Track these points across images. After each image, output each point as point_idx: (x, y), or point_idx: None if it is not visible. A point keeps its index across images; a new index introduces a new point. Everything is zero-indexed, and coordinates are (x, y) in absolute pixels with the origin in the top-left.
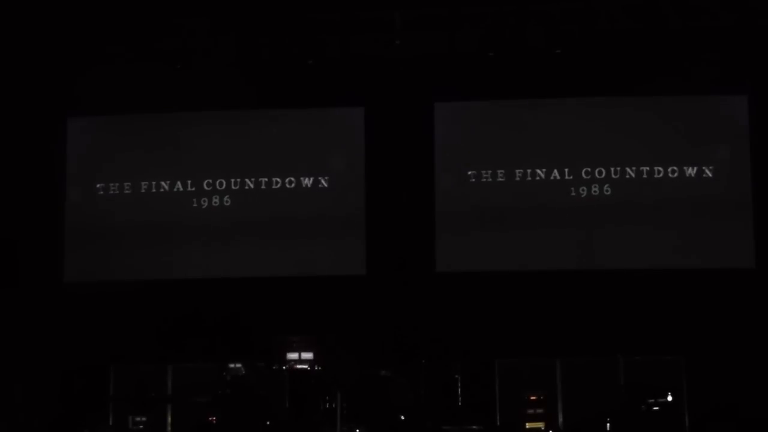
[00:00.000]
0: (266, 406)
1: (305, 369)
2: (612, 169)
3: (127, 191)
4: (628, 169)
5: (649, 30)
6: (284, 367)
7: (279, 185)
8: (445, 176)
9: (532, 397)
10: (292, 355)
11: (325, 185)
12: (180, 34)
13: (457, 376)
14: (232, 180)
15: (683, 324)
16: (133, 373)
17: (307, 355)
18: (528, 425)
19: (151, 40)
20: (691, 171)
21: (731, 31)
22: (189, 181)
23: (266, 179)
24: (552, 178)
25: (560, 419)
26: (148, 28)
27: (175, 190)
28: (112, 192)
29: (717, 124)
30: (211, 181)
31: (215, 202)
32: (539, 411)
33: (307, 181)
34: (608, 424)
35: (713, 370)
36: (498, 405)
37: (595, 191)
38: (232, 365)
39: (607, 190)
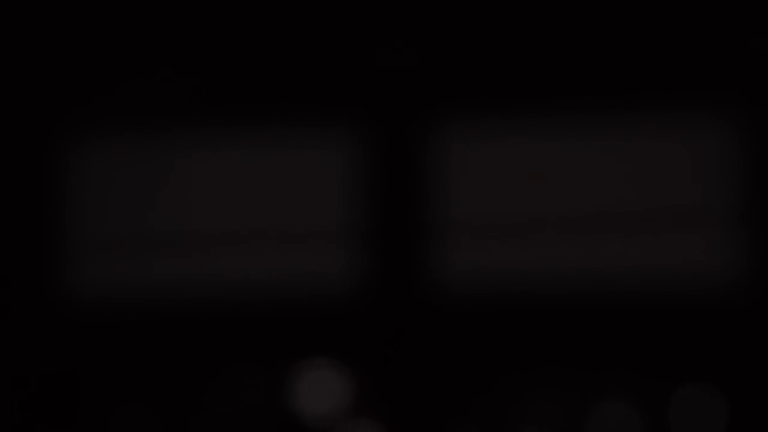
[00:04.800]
0: (260, 427)
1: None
2: (609, 183)
3: (125, 207)
4: (629, 189)
5: (647, 49)
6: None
7: (276, 202)
8: (442, 192)
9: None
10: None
11: (318, 201)
12: (178, 51)
13: (452, 399)
14: (232, 195)
15: (681, 346)
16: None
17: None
18: None
19: (151, 58)
20: (689, 192)
21: (727, 52)
22: (188, 198)
23: (263, 196)
24: (553, 193)
25: None
26: (148, 46)
27: (175, 206)
28: (111, 208)
29: (713, 138)
30: (209, 197)
31: (214, 219)
32: None
33: (305, 198)
34: None
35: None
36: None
37: (596, 209)
38: (228, 384)
39: (609, 208)
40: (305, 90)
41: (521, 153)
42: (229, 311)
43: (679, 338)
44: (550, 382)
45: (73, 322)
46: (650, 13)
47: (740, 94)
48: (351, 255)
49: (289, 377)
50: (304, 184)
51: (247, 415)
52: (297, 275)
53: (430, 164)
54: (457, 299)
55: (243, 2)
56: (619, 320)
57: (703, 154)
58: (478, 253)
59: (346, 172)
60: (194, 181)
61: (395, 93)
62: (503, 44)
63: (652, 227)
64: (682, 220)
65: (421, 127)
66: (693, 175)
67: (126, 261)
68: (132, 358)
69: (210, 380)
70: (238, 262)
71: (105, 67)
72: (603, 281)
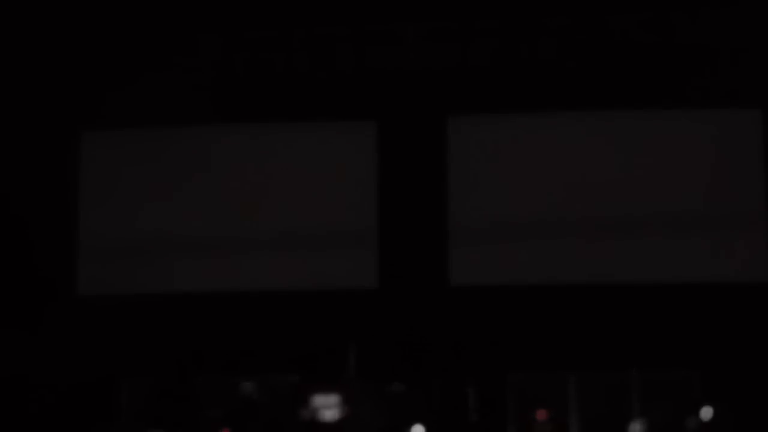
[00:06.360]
0: (276, 424)
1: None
2: (626, 183)
3: (141, 204)
4: (642, 183)
5: (662, 44)
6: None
7: (291, 198)
8: (458, 189)
9: (542, 413)
10: (316, 403)
11: (338, 198)
12: (194, 50)
13: (469, 390)
14: (246, 193)
15: (698, 338)
16: (146, 386)
17: (330, 410)
18: None
19: (165, 55)
20: (705, 186)
21: (746, 45)
22: (203, 195)
23: (279, 193)
24: (566, 191)
25: None
26: (163, 43)
27: (189, 203)
28: (126, 205)
29: (731, 138)
30: (224, 194)
31: (230, 216)
32: (550, 426)
33: (320, 194)
34: None
35: (728, 384)
36: (509, 419)
37: (608, 205)
38: (245, 382)
39: (620, 205)
40: (318, 92)
41: (532, 155)
42: (242, 309)
43: (690, 333)
44: (550, 375)
45: (83, 319)
46: (661, 15)
47: (762, 102)
48: (361, 253)
49: (295, 376)
50: (314, 184)
51: (256, 411)
52: (306, 273)
53: (443, 166)
54: (466, 294)
55: (252, 5)
56: (627, 316)
57: (714, 155)
58: (491, 250)
59: (358, 173)
60: (206, 182)
61: (409, 96)
62: (510, 50)
63: (661, 226)
64: (688, 220)
65: (435, 130)
66: (702, 175)
67: (138, 260)
68: (139, 354)
69: (222, 378)
70: (248, 262)
71: (115, 69)
72: (613, 278)
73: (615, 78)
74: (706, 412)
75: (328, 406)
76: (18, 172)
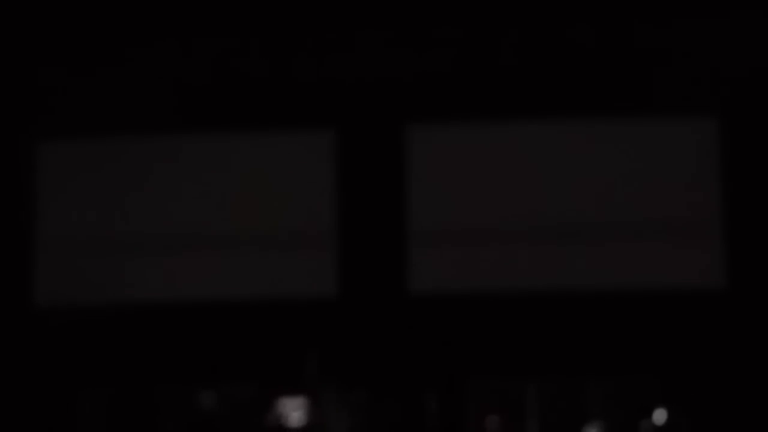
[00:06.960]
0: None
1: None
2: (583, 190)
3: (99, 214)
4: (599, 191)
5: (620, 52)
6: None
7: (250, 207)
8: (417, 197)
9: (497, 420)
10: (282, 408)
11: (297, 206)
12: (151, 57)
13: (428, 397)
14: (205, 201)
15: (656, 344)
16: (102, 398)
17: (296, 415)
18: None
19: (120, 62)
20: (662, 193)
21: (703, 50)
22: (161, 203)
23: (238, 201)
24: (524, 199)
25: None
26: (119, 47)
27: (146, 212)
28: (84, 215)
29: (687, 145)
30: (184, 202)
31: (189, 224)
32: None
33: (279, 202)
34: None
35: (686, 388)
36: (469, 425)
37: (565, 213)
38: (204, 393)
39: (577, 212)
40: (276, 100)
41: (492, 163)
42: (200, 318)
43: (655, 340)
44: (523, 380)
45: (43, 326)
46: (620, 24)
47: (719, 109)
48: (320, 260)
49: (263, 379)
50: (273, 192)
51: (216, 422)
52: (263, 281)
53: (402, 174)
54: (426, 301)
55: (211, 12)
56: (586, 322)
57: (670, 162)
58: (451, 257)
59: (317, 181)
60: (164, 191)
61: (368, 104)
62: (478, 58)
63: (628, 234)
64: (646, 227)
65: (394, 137)
66: (660, 183)
67: (98, 263)
68: (96, 365)
69: (180, 388)
70: (206, 270)
71: (70, 77)
72: (571, 285)
73: (575, 86)
74: (660, 415)
75: (294, 412)
76: None
